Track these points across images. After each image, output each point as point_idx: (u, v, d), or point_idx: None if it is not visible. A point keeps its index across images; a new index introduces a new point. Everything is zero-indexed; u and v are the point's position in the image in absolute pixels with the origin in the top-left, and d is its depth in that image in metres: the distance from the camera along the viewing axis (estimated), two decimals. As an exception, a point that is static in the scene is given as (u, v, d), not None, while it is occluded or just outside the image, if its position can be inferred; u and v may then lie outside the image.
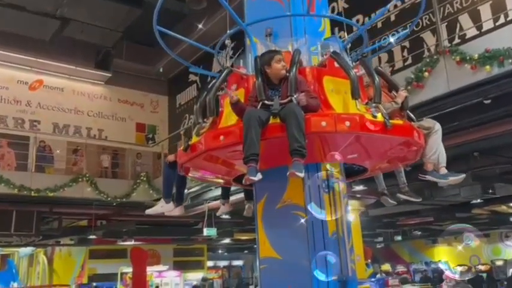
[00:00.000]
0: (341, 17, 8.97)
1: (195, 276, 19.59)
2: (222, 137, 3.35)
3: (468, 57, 6.13)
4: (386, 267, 23.01)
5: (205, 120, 3.74)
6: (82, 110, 16.47)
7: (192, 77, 16.01)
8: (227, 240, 21.66)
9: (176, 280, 16.53)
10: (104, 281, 15.28)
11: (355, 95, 3.42)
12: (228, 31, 4.24)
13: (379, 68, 4.19)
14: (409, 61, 7.76)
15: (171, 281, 16.21)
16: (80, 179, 12.91)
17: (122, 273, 13.71)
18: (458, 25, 7.76)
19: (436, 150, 3.93)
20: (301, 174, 3.05)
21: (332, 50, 3.82)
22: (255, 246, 4.15)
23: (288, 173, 3.06)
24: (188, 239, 18.75)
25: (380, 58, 8.55)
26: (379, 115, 3.33)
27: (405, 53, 7.82)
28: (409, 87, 6.66)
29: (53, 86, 16.10)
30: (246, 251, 26.69)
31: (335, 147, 3.61)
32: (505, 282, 16.73)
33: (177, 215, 4.68)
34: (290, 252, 3.71)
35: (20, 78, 15.55)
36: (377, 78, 3.59)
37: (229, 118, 3.72)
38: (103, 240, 16.79)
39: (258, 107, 3.36)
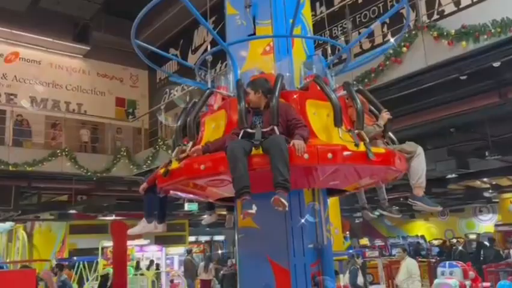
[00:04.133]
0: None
1: (177, 250, 19.76)
2: (202, 166, 3.28)
3: (445, 33, 6.20)
4: (364, 241, 23.55)
5: (185, 143, 3.68)
6: (60, 84, 16.18)
7: (172, 51, 15.81)
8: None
9: (157, 254, 16.64)
10: (85, 256, 15.28)
11: (337, 123, 3.39)
12: (209, 49, 4.18)
13: (361, 88, 4.11)
14: (388, 36, 7.82)
15: (153, 255, 16.31)
16: (59, 154, 12.76)
17: (103, 248, 13.75)
18: (437, 0, 7.82)
19: (422, 174, 3.87)
20: (286, 203, 3.01)
21: (314, 72, 3.78)
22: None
23: (271, 200, 3.02)
24: (169, 214, 18.74)
25: (360, 33, 8.59)
26: (361, 144, 3.31)
27: (385, 29, 7.87)
28: (387, 62, 6.74)
29: (29, 59, 15.73)
30: (227, 226, 26.89)
31: (317, 176, 3.65)
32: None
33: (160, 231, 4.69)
34: (267, 222, 3.79)
35: (-5, 50, 15.16)
36: (359, 103, 3.53)
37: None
38: (84, 215, 16.75)
39: (240, 135, 3.30)
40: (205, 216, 5.31)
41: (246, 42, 4.08)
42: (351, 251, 10.94)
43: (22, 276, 3.70)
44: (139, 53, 4.07)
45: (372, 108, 4.11)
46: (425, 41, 6.53)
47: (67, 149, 12.94)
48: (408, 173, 3.89)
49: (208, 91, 3.87)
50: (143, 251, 16.04)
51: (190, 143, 3.62)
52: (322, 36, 7.48)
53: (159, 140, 13.09)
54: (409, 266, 8.97)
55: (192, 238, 24.38)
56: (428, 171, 10.27)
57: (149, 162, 13.00)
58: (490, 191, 17.02)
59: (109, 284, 8.94)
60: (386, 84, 7.08)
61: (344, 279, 8.74)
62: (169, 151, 11.56)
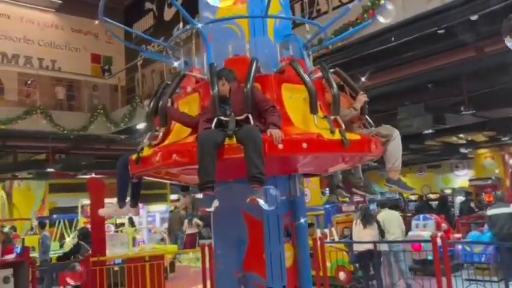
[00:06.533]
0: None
1: (158, 208, 19.91)
2: (174, 156, 3.19)
3: (424, -16, 6.10)
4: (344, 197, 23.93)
5: (157, 128, 3.57)
6: (32, 39, 15.62)
7: (148, 5, 15.32)
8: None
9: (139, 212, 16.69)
10: (66, 214, 15.29)
11: (313, 111, 3.30)
12: (181, 26, 3.99)
13: (338, 69, 3.93)
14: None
15: (133, 213, 16.37)
16: (34, 112, 12.50)
17: (82, 206, 13.77)
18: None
19: (398, 158, 3.83)
20: (262, 201, 2.99)
21: (291, 54, 3.66)
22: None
23: (248, 200, 2.99)
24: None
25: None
26: (337, 132, 3.24)
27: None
28: (365, 15, 6.63)
29: (-2, 12, 15.09)
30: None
31: (292, 165, 3.61)
32: (452, 209, 17.88)
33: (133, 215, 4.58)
34: (241, 174, 3.78)
35: (-39, 3, 14.47)
36: (335, 88, 3.42)
37: (181, 129, 3.56)
38: (63, 174, 16.64)
39: (213, 124, 3.16)
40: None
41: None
42: (328, 205, 11.14)
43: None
44: (110, 31, 3.88)
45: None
46: (403, -8, 6.43)
47: (41, 107, 12.67)
48: (385, 157, 3.85)
49: (181, 74, 3.72)
50: (124, 208, 16.06)
51: (162, 129, 3.52)
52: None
53: (136, 98, 12.89)
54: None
55: (173, 196, 24.53)
56: (406, 127, 10.33)
57: (126, 120, 12.85)
58: (466, 147, 17.37)
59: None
60: (363, 39, 7.00)
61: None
62: (147, 108, 11.40)
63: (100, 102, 14.31)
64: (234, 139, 3.08)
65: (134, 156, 3.59)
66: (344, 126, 3.34)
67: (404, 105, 10.50)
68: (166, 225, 17.35)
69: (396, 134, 3.87)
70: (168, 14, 14.29)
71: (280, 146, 3.02)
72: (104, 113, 13.65)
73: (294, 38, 3.95)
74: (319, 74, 3.63)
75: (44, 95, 13.54)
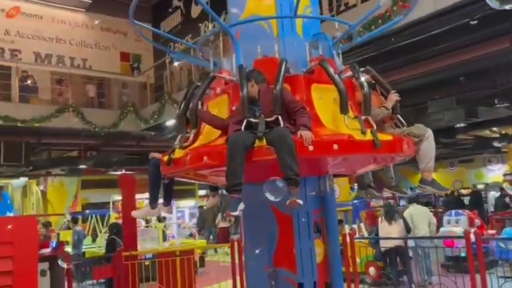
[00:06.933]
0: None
1: (187, 204, 20.17)
2: (205, 158, 3.20)
3: (456, -26, 5.94)
4: (373, 192, 23.60)
5: (188, 130, 3.59)
6: (63, 39, 16.03)
7: (175, 3, 15.45)
8: (217, 169, 21.94)
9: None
10: (98, 209, 15.65)
11: (344, 111, 3.26)
12: (210, 28, 4.01)
13: (369, 68, 3.86)
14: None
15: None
16: (66, 110, 12.82)
17: (114, 202, 14.04)
18: None
19: (432, 158, 3.76)
20: (301, 202, 2.99)
21: (320, 54, 3.61)
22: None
23: (287, 203, 2.97)
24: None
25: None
26: (368, 132, 3.18)
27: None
28: (395, 8, 6.50)
29: (31, 14, 15.52)
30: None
31: (322, 166, 3.60)
32: (485, 205, 17.42)
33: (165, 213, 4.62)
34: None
35: (-4, 5, 14.95)
36: (366, 87, 3.35)
37: (211, 131, 3.58)
38: (94, 170, 17.03)
39: (243, 126, 3.16)
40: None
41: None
42: (356, 201, 11.05)
43: (24, 222, 3.74)
44: (140, 33, 3.94)
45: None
46: (433, -17, 6.28)
47: (73, 105, 12.98)
48: (418, 157, 3.77)
49: (210, 76, 3.74)
50: (154, 204, 16.31)
51: (193, 131, 3.55)
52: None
53: (165, 95, 13.04)
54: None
55: (202, 192, 24.75)
56: (437, 121, 10.11)
57: (156, 117, 13.03)
58: (499, 140, 16.85)
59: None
60: (393, 32, 6.87)
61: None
62: (175, 105, 11.56)
63: (130, 99, 14.55)
64: (264, 141, 3.07)
65: (165, 158, 3.63)
66: (375, 127, 3.28)
67: (435, 99, 10.29)
68: (195, 220, 17.55)
69: (430, 134, 3.78)
70: (195, 11, 14.36)
71: (311, 148, 2.99)
72: (133, 110, 13.87)
73: (323, 37, 3.90)
74: (349, 73, 3.56)
75: (75, 93, 13.86)
